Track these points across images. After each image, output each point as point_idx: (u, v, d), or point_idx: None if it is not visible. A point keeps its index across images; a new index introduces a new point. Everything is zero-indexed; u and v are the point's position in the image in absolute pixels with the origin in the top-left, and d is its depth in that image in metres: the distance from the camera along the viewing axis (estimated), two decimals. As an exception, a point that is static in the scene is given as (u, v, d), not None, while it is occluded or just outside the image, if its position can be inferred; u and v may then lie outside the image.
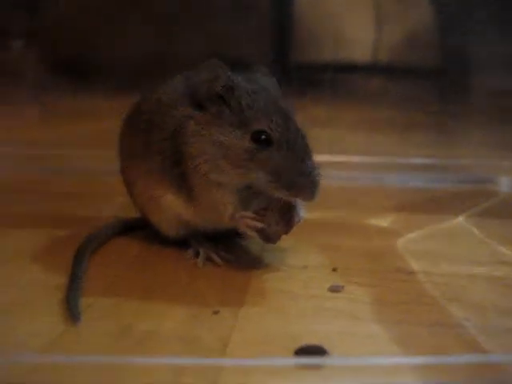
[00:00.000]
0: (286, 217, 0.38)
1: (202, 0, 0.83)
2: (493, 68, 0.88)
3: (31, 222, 0.49)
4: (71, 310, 0.33)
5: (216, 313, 0.33)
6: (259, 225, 0.37)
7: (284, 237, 0.39)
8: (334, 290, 0.37)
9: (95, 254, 0.42)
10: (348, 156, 0.71)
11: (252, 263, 0.41)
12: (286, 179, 0.36)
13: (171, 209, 0.41)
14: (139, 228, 0.46)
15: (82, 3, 0.79)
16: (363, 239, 0.47)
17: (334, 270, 0.40)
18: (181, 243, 0.42)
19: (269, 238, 0.38)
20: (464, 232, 0.49)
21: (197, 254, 0.41)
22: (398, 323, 0.33)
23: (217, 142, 0.37)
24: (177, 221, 0.42)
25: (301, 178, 0.36)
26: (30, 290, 0.36)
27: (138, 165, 0.42)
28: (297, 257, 0.42)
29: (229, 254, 0.41)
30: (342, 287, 0.37)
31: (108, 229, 0.45)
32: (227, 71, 0.38)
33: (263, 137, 0.37)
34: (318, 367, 0.28)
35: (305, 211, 0.39)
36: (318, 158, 0.38)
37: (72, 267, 0.38)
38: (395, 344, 0.30)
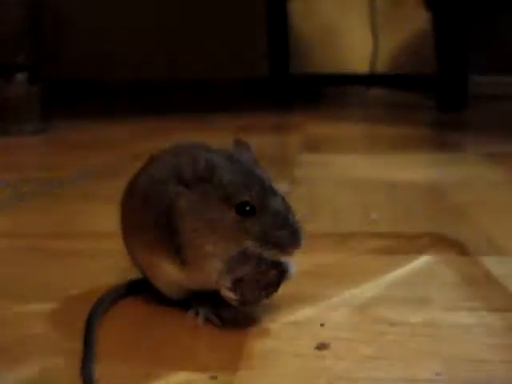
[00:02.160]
0: (262, 284, 0.41)
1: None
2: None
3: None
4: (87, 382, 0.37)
5: (214, 378, 0.37)
6: (232, 296, 0.41)
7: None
8: (321, 347, 0.41)
9: (103, 318, 0.46)
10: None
11: (247, 322, 0.45)
12: (271, 239, 0.41)
13: (169, 275, 0.45)
14: (145, 290, 0.49)
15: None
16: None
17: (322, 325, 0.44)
18: (184, 303, 0.47)
19: (245, 303, 0.42)
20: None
21: (197, 314, 0.45)
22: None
23: (206, 218, 0.42)
24: (175, 285, 0.46)
25: (283, 231, 0.41)
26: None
27: (137, 236, 0.47)
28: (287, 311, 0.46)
29: (227, 313, 0.45)
30: (329, 345, 0.41)
31: (115, 292, 0.49)
32: (205, 153, 0.43)
33: (247, 208, 0.41)
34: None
35: (294, 267, 0.43)
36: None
37: (85, 335, 0.42)
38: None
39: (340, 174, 1.00)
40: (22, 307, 0.49)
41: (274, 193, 0.42)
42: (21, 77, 1.59)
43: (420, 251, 0.59)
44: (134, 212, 0.47)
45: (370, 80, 2.42)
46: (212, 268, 0.42)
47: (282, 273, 0.42)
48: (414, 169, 1.05)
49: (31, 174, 1.06)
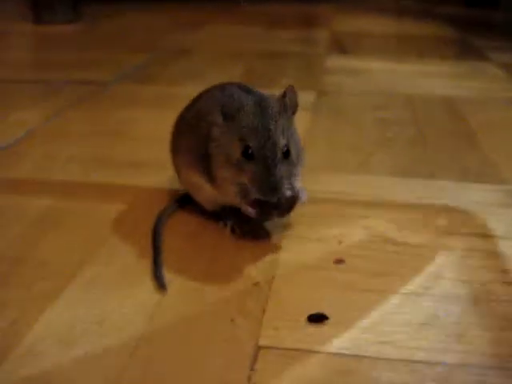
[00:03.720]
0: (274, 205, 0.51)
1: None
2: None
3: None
4: (160, 282, 0.48)
5: (256, 284, 0.48)
6: (251, 211, 0.51)
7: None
8: (338, 262, 0.51)
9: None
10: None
11: (266, 237, 0.55)
12: (255, 184, 0.49)
13: (205, 191, 0.56)
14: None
15: None
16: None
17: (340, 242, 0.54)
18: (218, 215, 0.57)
19: (261, 217, 0.53)
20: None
21: (225, 225, 0.56)
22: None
23: (225, 149, 0.51)
24: (210, 199, 0.57)
25: (264, 185, 0.49)
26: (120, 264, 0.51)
27: (181, 158, 0.58)
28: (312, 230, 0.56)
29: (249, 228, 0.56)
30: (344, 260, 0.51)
31: (174, 204, 0.60)
32: (241, 94, 0.52)
33: (250, 151, 0.50)
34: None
35: (305, 195, 0.53)
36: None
37: (153, 242, 0.53)
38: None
39: (365, 87, 1.07)
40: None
41: (275, 146, 0.49)
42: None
43: (432, 175, 0.68)
44: (181, 136, 0.58)
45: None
46: (230, 189, 0.52)
47: (293, 198, 0.52)
48: (433, 81, 1.11)
49: (72, 75, 1.12)
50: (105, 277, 0.48)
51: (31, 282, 0.47)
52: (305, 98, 0.94)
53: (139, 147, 0.77)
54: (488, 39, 1.50)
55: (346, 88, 1.06)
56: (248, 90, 0.55)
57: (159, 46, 1.41)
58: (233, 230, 0.56)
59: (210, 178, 0.53)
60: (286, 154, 0.50)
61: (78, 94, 0.99)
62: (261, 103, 0.51)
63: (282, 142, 0.50)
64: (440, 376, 0.38)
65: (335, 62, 1.26)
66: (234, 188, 0.52)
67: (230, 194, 0.53)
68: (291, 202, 0.52)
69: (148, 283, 0.48)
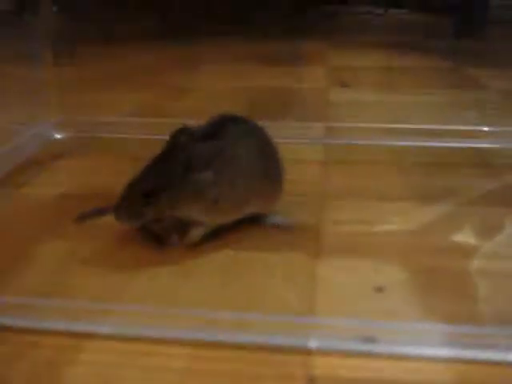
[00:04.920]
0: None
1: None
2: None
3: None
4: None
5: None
6: None
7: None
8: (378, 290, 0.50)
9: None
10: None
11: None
12: None
13: None
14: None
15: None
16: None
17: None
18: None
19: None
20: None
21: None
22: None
23: None
24: None
25: None
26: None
27: None
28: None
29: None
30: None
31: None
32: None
33: None
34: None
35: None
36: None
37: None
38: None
39: (373, 118, 1.07)
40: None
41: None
42: None
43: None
44: None
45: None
46: None
47: None
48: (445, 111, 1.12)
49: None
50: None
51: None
52: (315, 131, 0.95)
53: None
54: (483, 68, 1.52)
55: (354, 120, 1.06)
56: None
57: (156, 85, 1.41)
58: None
59: None
60: None
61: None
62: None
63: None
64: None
65: (338, 95, 1.27)
66: None
67: None
68: None
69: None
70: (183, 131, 0.56)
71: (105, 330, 0.43)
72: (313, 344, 0.42)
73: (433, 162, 0.83)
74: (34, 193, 0.72)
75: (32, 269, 0.54)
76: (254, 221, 0.61)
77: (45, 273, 0.54)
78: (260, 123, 0.64)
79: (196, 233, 0.57)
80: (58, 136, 0.92)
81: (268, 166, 0.61)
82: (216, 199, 0.56)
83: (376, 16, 2.45)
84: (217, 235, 0.59)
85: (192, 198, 0.55)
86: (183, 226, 0.57)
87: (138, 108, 1.18)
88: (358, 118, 1.07)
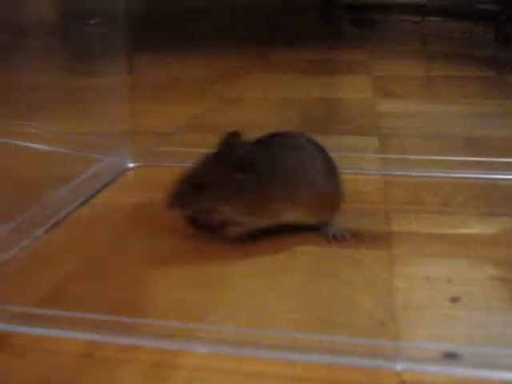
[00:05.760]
0: None
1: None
2: None
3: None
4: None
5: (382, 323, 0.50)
6: None
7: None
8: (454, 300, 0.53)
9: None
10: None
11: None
12: None
13: None
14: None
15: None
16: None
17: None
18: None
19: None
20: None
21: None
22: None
23: None
24: None
25: None
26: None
27: None
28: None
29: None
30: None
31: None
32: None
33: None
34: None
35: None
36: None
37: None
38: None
39: (423, 130, 1.09)
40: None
41: None
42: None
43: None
44: None
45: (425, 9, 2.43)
46: None
47: None
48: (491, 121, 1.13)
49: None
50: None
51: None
52: (368, 142, 0.97)
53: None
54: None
55: (404, 131, 1.08)
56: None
57: (207, 96, 1.45)
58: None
59: None
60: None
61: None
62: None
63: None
64: None
65: (386, 105, 1.29)
66: None
67: None
68: None
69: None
70: (235, 134, 0.62)
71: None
72: (399, 367, 0.44)
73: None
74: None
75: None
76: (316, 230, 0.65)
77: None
78: (317, 138, 0.67)
79: (234, 230, 0.62)
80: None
81: (318, 180, 0.64)
82: (251, 202, 0.60)
83: (414, 24, 2.46)
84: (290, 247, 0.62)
85: (232, 196, 0.60)
86: (224, 223, 0.62)
87: (194, 119, 1.21)
88: (409, 130, 1.09)
